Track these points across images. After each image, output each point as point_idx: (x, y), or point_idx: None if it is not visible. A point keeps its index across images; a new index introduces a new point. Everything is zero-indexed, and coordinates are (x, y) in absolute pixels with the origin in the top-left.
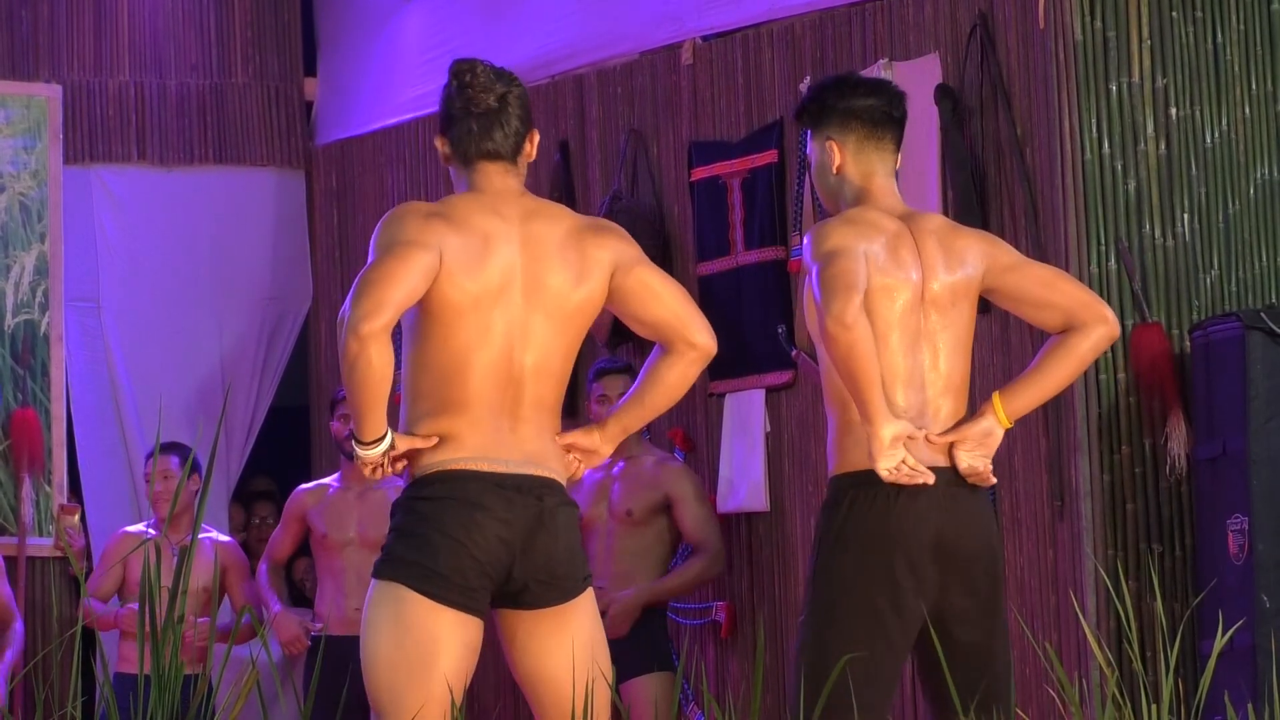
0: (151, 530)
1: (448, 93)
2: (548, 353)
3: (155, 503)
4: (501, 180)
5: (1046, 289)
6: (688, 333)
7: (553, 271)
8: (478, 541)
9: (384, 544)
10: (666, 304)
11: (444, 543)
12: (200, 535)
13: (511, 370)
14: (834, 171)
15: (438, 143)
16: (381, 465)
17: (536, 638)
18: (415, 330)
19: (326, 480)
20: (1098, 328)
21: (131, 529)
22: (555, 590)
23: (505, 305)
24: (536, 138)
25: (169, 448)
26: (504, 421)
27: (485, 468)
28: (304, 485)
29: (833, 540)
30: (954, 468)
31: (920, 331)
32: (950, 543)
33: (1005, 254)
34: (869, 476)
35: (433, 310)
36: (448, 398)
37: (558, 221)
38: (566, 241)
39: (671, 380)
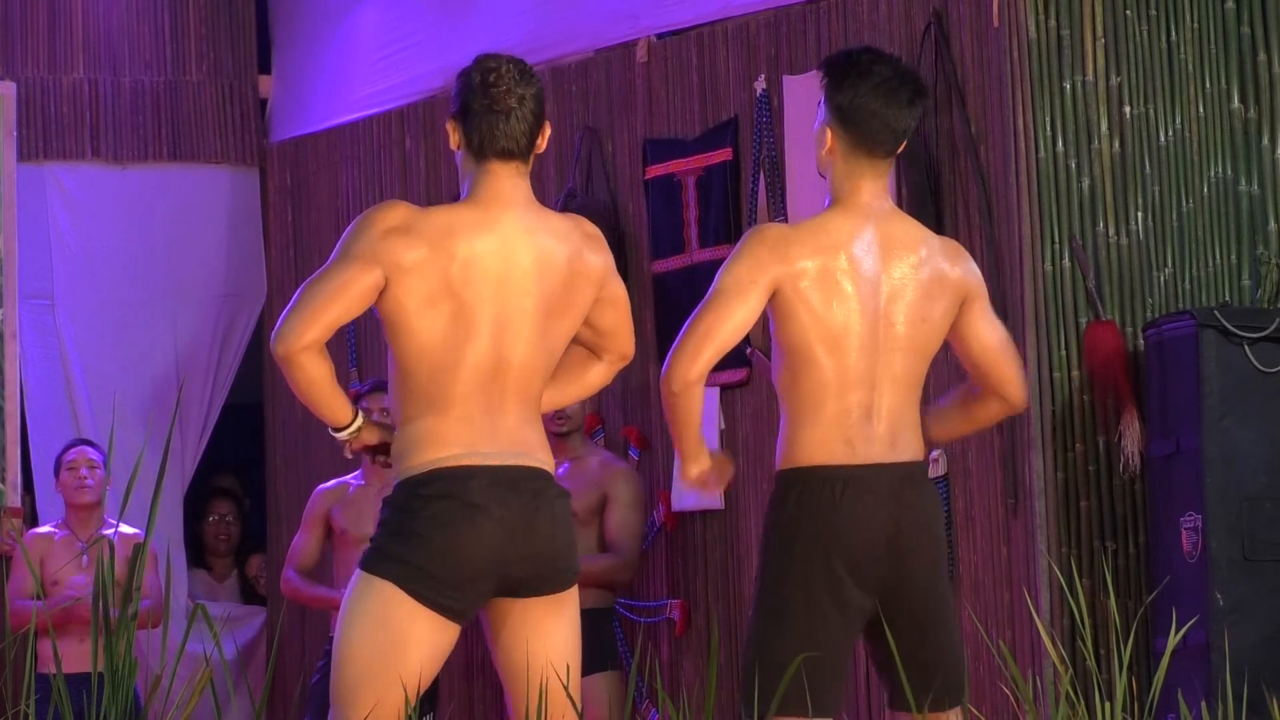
0: (58, 530)
1: (469, 84)
2: (532, 352)
3: (75, 490)
4: (510, 183)
5: (987, 355)
6: (624, 345)
7: (545, 287)
8: (473, 544)
9: (372, 537)
10: (619, 316)
11: (438, 542)
12: (107, 530)
13: (496, 368)
14: (825, 151)
15: (450, 128)
16: (362, 453)
17: (527, 625)
18: (395, 337)
19: (347, 478)
20: (1004, 407)
21: (40, 529)
22: (555, 581)
23: (493, 311)
24: (548, 130)
25: (86, 442)
26: (490, 415)
27: (479, 462)
28: (324, 485)
29: (777, 536)
30: (901, 463)
31: (879, 336)
32: (894, 538)
33: (976, 299)
34: (815, 472)
35: (411, 320)
36: (433, 398)
37: (556, 236)
38: (561, 258)
39: (594, 382)
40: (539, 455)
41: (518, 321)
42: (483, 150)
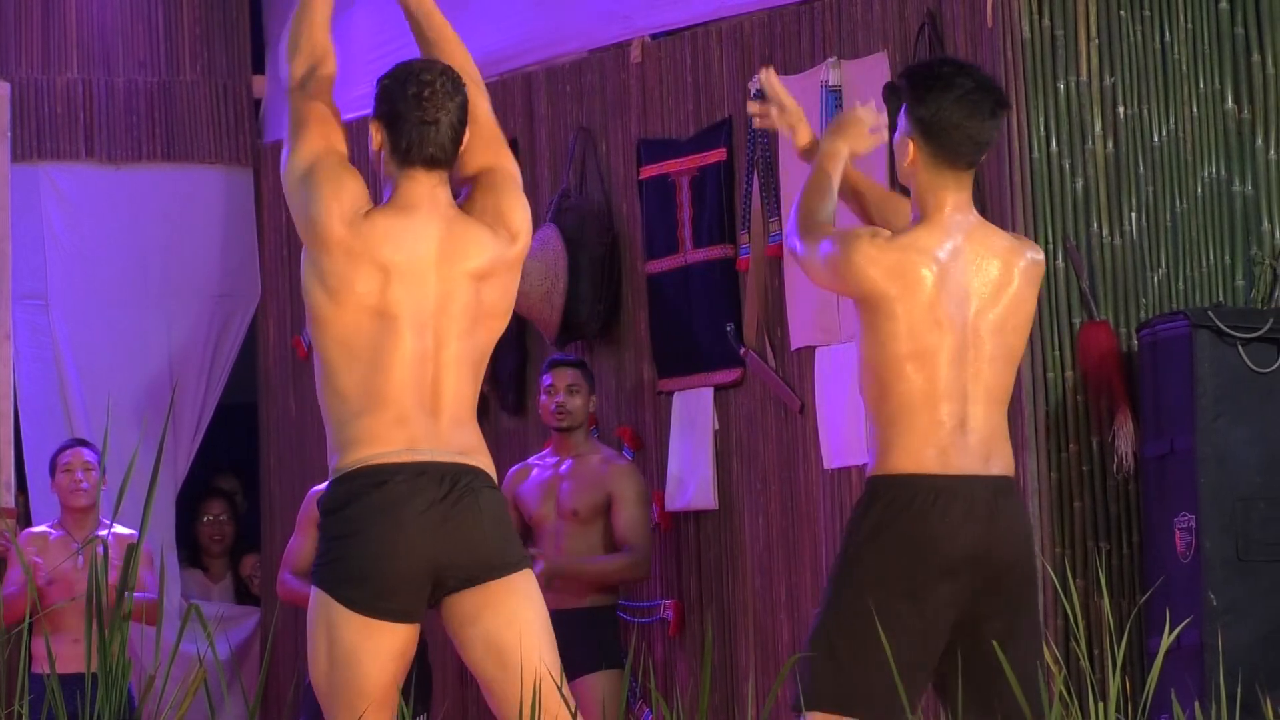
0: (53, 530)
1: (401, 93)
2: (461, 353)
3: (71, 492)
4: (430, 191)
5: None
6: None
7: (469, 290)
8: (399, 541)
9: (317, 543)
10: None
11: (361, 544)
12: (101, 531)
13: (427, 369)
14: (906, 164)
15: (373, 130)
16: None
17: (484, 614)
18: (326, 337)
19: None
20: None
21: (35, 529)
22: (491, 568)
23: (419, 315)
24: (468, 135)
25: (81, 442)
26: (427, 415)
27: (408, 459)
28: (316, 487)
29: (862, 539)
30: (993, 476)
31: (968, 349)
32: (984, 553)
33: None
34: (905, 480)
35: (345, 314)
36: (368, 395)
37: (479, 242)
38: (484, 263)
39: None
40: (478, 458)
41: (444, 324)
42: (409, 157)
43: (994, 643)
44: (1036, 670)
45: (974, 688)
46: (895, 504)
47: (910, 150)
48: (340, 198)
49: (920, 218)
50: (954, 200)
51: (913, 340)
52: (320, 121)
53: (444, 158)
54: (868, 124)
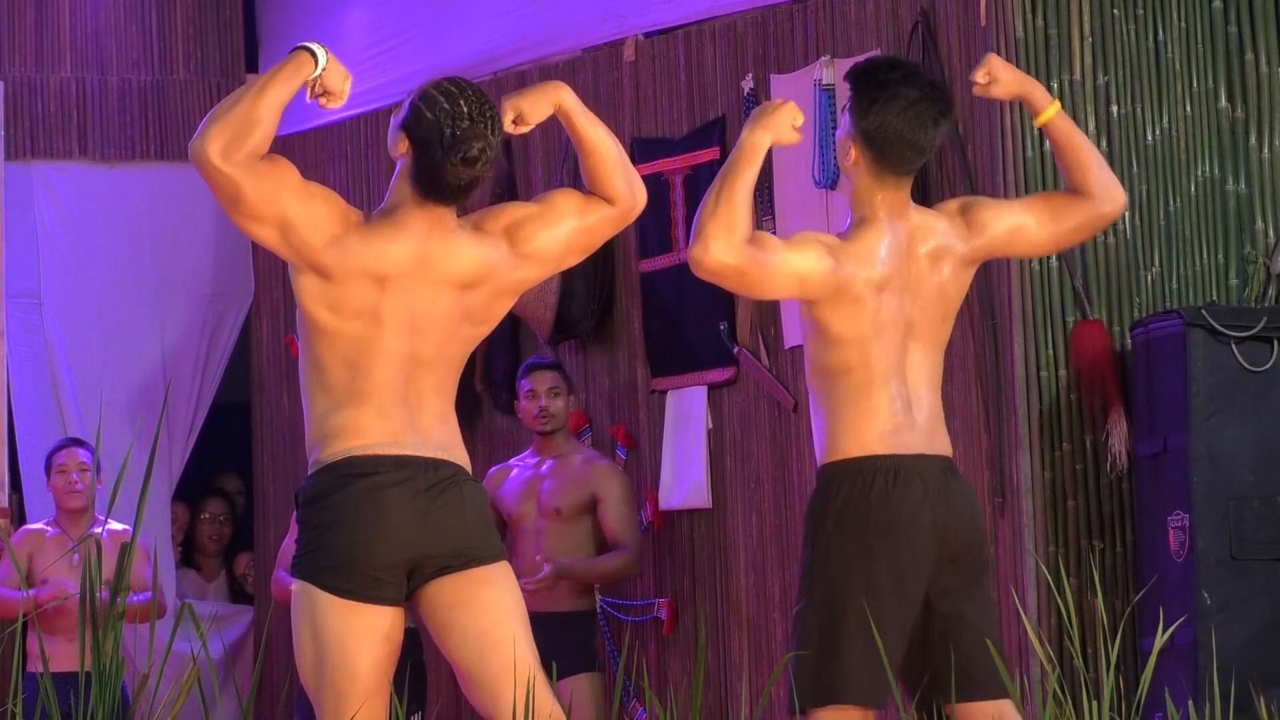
0: (50, 528)
1: (445, 146)
2: (445, 351)
3: (66, 494)
4: (433, 215)
5: (1040, 220)
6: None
7: (457, 295)
8: (382, 527)
9: (296, 537)
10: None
11: (347, 535)
12: (96, 529)
13: (412, 367)
14: (849, 164)
15: (401, 141)
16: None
17: (463, 600)
18: (311, 327)
19: None
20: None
21: (33, 525)
22: (469, 557)
23: (407, 298)
24: None
25: (76, 442)
26: (409, 410)
27: (392, 451)
28: None
29: (830, 526)
30: (938, 456)
31: (909, 333)
32: (943, 529)
33: (978, 231)
34: (864, 462)
35: (331, 307)
36: (351, 389)
37: (463, 241)
38: (475, 269)
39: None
40: (456, 453)
41: (428, 328)
42: (428, 192)
43: (968, 623)
44: (999, 642)
45: (935, 667)
46: (856, 487)
47: (852, 152)
48: (317, 226)
49: (857, 219)
50: (892, 200)
51: (858, 335)
52: (264, 176)
53: (451, 202)
54: (793, 118)
